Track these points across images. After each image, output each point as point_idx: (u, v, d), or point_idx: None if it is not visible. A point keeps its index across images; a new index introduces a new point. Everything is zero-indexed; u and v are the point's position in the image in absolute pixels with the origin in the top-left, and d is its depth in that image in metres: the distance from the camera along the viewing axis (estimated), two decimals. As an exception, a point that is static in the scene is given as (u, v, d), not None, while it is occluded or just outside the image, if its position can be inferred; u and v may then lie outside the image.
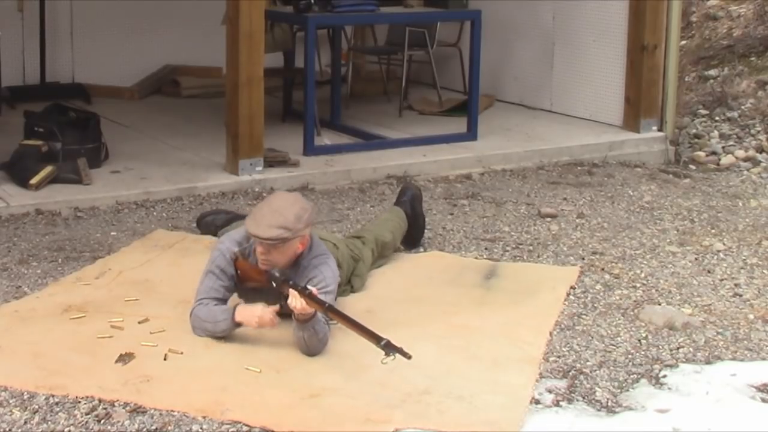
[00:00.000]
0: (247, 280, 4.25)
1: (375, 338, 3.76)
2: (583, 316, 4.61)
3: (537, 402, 3.80)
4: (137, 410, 3.63)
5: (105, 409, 3.63)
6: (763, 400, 3.91)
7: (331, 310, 3.97)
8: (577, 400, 3.84)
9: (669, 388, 3.96)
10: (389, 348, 3.70)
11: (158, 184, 6.22)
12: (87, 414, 3.60)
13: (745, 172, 7.33)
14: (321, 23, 7.28)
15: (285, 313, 4.09)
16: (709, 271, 5.25)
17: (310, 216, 4.16)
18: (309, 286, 4.02)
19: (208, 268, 4.25)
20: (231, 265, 4.21)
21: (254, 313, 4.10)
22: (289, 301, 3.98)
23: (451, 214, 6.09)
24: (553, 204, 6.33)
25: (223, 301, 4.25)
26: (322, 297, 4.00)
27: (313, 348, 4.08)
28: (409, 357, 3.69)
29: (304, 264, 4.22)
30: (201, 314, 4.19)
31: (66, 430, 3.52)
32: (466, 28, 8.31)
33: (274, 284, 4.09)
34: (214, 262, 4.24)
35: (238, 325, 4.14)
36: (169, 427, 3.54)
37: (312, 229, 4.28)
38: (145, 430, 3.53)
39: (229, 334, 4.16)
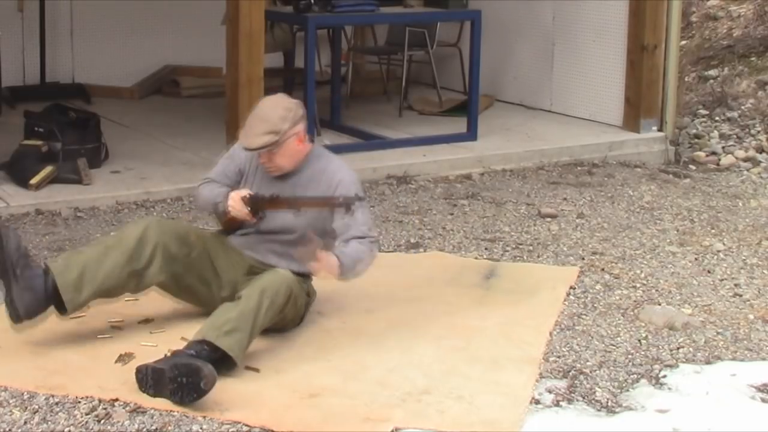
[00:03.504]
0: (234, 219, 4.34)
1: (331, 199, 4.12)
2: (583, 316, 4.61)
3: (537, 402, 3.80)
4: (137, 410, 3.63)
5: (105, 409, 3.63)
6: (763, 400, 3.91)
7: (277, 199, 4.17)
8: (577, 400, 3.84)
9: (669, 388, 3.96)
10: (348, 200, 4.08)
11: (158, 184, 6.22)
12: (87, 414, 3.60)
13: (745, 172, 7.33)
14: (321, 23, 7.28)
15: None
16: (709, 271, 5.25)
17: (295, 114, 4.18)
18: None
19: (227, 153, 4.42)
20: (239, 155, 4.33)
21: (236, 199, 4.22)
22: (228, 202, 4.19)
23: (451, 214, 6.09)
24: (553, 204, 6.33)
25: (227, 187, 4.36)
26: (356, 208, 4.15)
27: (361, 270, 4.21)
28: (362, 199, 4.10)
29: (319, 168, 4.27)
30: (204, 191, 4.36)
31: (66, 430, 3.52)
32: (466, 28, 8.30)
33: (249, 208, 4.22)
34: (233, 147, 4.40)
35: (227, 212, 4.27)
36: (169, 427, 3.54)
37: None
38: (145, 430, 3.52)
39: (217, 212, 4.33)
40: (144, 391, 3.68)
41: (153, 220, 4.30)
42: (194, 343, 3.82)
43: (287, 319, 4.20)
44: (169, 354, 3.83)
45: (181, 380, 3.58)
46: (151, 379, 3.67)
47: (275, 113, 4.13)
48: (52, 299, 3.97)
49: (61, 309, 4.01)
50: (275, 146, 4.12)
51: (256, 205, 4.21)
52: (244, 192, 4.24)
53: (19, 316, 3.92)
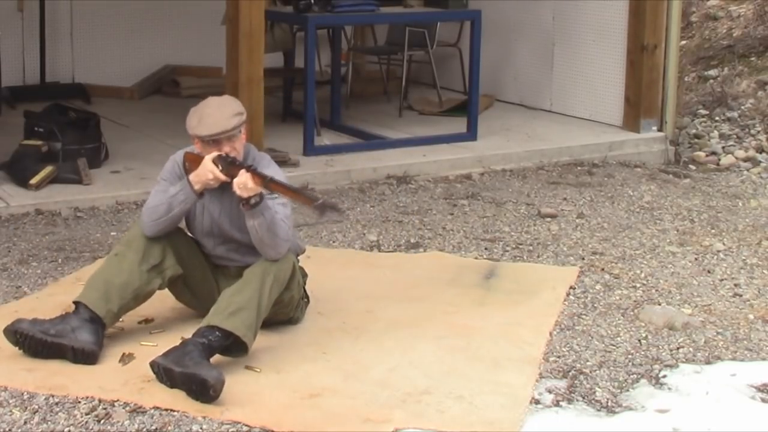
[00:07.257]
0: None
1: (310, 200, 3.95)
2: (583, 316, 4.61)
3: (537, 402, 3.80)
4: (137, 410, 3.63)
5: (105, 409, 3.64)
6: (763, 400, 3.91)
7: (273, 181, 3.98)
8: (577, 400, 3.84)
9: (669, 388, 3.96)
10: (324, 207, 3.91)
11: (158, 184, 6.22)
12: (87, 414, 3.60)
13: (745, 172, 7.33)
14: (321, 23, 7.29)
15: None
16: (709, 271, 5.25)
17: (241, 104, 4.23)
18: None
19: (160, 176, 4.26)
20: (181, 165, 4.20)
21: (205, 168, 4.04)
22: (236, 179, 3.96)
23: (451, 214, 6.09)
24: (553, 204, 6.33)
25: None
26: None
27: (268, 240, 4.01)
28: (342, 212, 4.02)
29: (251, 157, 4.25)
30: (153, 201, 4.14)
31: (66, 430, 3.52)
32: (466, 28, 8.31)
33: (221, 167, 4.03)
34: (165, 170, 4.25)
35: (199, 194, 4.11)
36: (169, 427, 3.54)
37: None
38: (145, 430, 3.53)
39: (189, 207, 4.12)
40: (162, 383, 3.76)
41: None
42: (204, 329, 3.86)
43: (290, 300, 4.20)
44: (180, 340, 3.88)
45: (192, 387, 3.68)
46: (164, 376, 3.76)
47: (230, 101, 4.18)
48: (96, 322, 4.01)
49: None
50: (241, 129, 4.10)
51: (228, 166, 4.05)
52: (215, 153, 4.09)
53: (94, 352, 3.95)
